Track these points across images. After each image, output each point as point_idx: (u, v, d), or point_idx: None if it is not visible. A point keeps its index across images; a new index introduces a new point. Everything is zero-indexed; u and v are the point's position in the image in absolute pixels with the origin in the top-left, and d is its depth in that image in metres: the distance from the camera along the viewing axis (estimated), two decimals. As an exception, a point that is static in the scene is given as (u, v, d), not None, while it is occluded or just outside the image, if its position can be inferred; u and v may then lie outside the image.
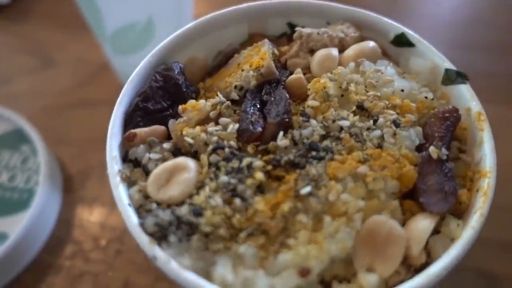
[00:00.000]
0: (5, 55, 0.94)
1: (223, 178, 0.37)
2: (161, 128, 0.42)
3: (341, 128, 0.40)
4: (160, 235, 0.35)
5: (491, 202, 0.37)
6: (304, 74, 0.46)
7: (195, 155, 0.40)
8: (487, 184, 0.37)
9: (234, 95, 0.44)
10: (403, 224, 0.37)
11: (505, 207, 0.69)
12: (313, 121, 0.40)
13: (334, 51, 0.46)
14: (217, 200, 0.36)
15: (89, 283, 0.64)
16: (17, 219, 0.65)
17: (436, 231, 0.37)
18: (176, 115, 0.42)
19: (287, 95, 0.42)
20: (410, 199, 0.39)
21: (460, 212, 0.38)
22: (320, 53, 0.46)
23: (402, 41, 0.48)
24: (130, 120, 0.41)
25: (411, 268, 0.36)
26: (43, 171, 0.67)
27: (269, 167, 0.38)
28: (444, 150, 0.39)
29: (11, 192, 0.68)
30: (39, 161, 0.69)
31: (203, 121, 0.42)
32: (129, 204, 0.36)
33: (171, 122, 0.42)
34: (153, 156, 0.39)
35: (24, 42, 0.96)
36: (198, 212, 0.35)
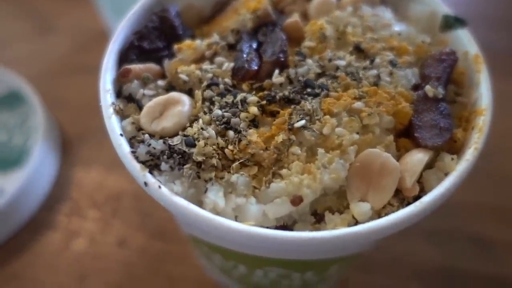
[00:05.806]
0: (2, 20, 0.94)
1: (217, 111, 0.37)
2: (156, 66, 0.41)
3: (337, 67, 0.40)
4: (151, 164, 0.35)
5: (486, 139, 0.36)
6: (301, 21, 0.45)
7: (189, 93, 0.40)
8: (482, 121, 0.37)
9: (231, 39, 0.44)
10: (398, 160, 0.36)
11: (501, 174, 0.69)
12: (309, 61, 0.40)
13: (332, -4, 0.45)
14: (210, 131, 0.36)
15: (85, 240, 0.64)
16: (14, 176, 0.65)
17: (430, 167, 0.37)
18: (172, 56, 0.42)
19: (283, 36, 0.42)
20: (406, 137, 0.38)
21: (455, 150, 0.38)
22: (318, -2, 0.45)
23: (401, -12, 0.47)
24: (125, 58, 0.41)
25: (404, 201, 0.35)
26: (41, 128, 0.67)
27: (264, 103, 0.38)
28: (440, 89, 0.39)
29: (9, 150, 0.68)
30: (37, 121, 0.69)
31: (198, 60, 0.41)
32: (121, 135, 0.36)
33: (166, 62, 0.42)
34: (147, 92, 0.39)
35: (22, 8, 0.96)
36: (190, 142, 0.35)
